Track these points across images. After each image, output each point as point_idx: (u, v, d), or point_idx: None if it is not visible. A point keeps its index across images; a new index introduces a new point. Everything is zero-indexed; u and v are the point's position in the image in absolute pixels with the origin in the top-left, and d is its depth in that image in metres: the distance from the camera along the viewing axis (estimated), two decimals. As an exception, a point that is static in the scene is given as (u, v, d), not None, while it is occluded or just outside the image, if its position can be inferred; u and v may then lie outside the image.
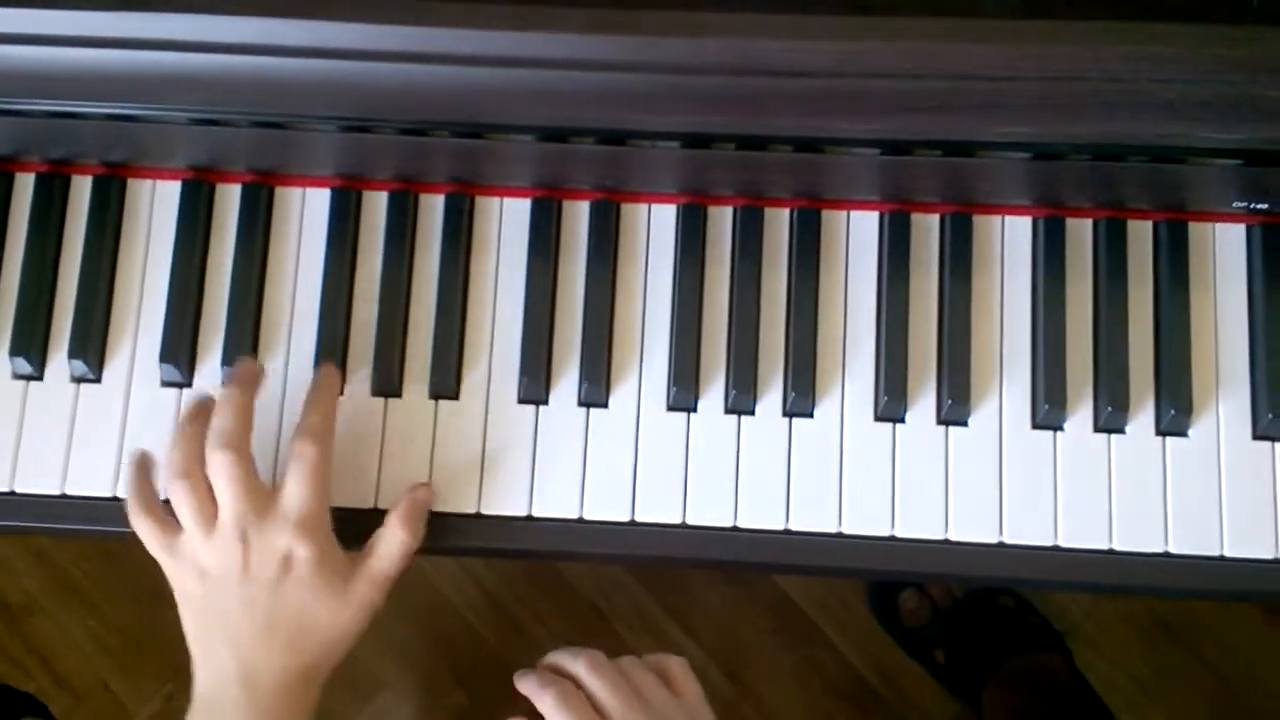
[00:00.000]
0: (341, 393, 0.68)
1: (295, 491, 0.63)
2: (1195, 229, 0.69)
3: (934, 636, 1.34)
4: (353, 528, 0.66)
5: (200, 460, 0.64)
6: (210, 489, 0.63)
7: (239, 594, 0.62)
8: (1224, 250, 0.69)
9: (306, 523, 0.63)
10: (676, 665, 0.68)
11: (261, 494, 0.63)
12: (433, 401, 0.68)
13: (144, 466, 0.67)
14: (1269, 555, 0.65)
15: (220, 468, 0.62)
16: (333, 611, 0.64)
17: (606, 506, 0.67)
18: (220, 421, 0.64)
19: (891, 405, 0.67)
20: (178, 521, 0.64)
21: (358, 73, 0.57)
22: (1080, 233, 0.69)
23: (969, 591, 1.34)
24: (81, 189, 0.71)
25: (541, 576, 1.40)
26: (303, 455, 0.63)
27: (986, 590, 1.33)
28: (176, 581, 0.64)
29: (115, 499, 0.67)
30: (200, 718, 0.63)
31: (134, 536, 0.65)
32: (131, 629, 1.39)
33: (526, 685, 0.66)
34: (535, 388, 0.68)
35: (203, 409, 0.66)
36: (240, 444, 0.63)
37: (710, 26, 0.56)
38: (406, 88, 0.57)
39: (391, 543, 0.65)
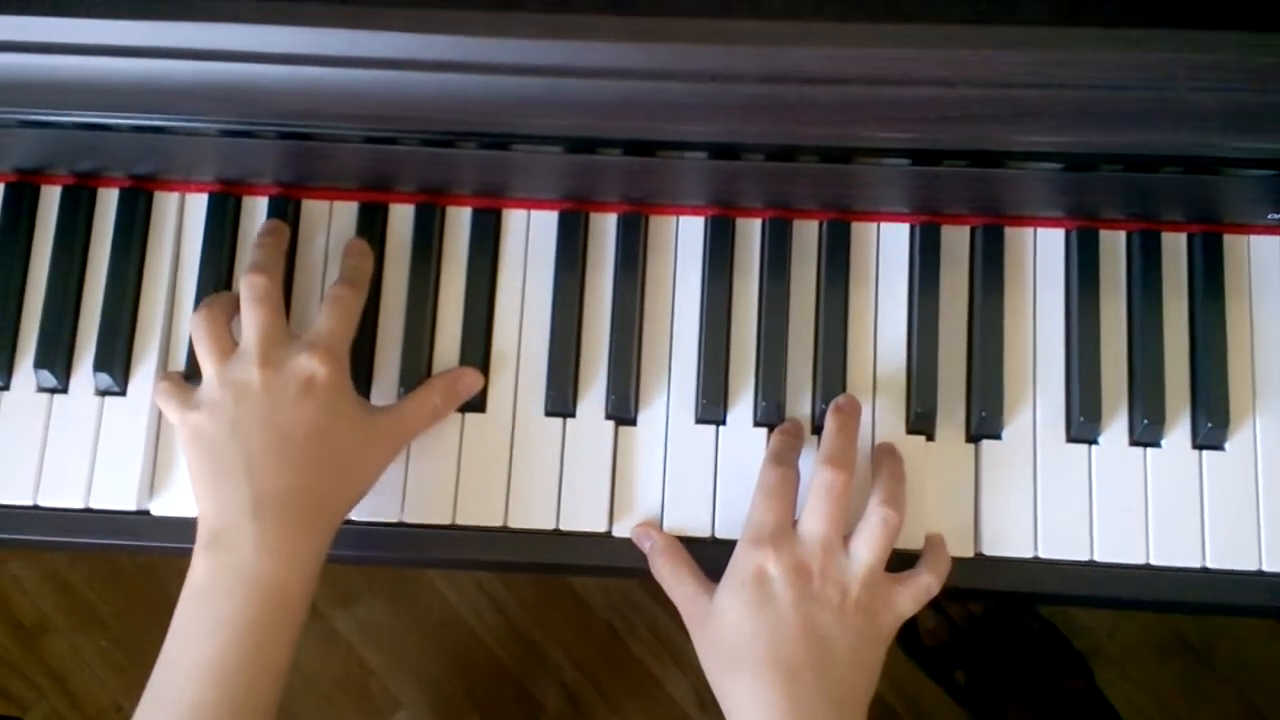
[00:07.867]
0: (369, 398, 0.68)
1: (326, 323, 0.64)
2: (1230, 241, 0.68)
3: (953, 656, 1.32)
4: (379, 539, 0.66)
5: (225, 304, 0.66)
6: (229, 331, 0.65)
7: (257, 410, 0.61)
8: (1259, 262, 0.68)
9: (332, 348, 0.63)
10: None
11: (285, 327, 0.65)
12: (459, 413, 0.68)
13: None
14: (1309, 570, 0.64)
15: (251, 290, 0.64)
16: (352, 438, 0.63)
17: (634, 520, 0.66)
18: (254, 254, 0.66)
19: (923, 419, 0.66)
20: (193, 388, 0.64)
21: (390, 82, 0.56)
22: (1114, 245, 0.68)
23: (988, 610, 1.32)
24: (108, 202, 0.70)
25: (557, 597, 1.39)
26: (339, 296, 0.65)
27: (1008, 610, 1.32)
28: (189, 428, 0.62)
29: (140, 513, 0.67)
30: (204, 553, 0.60)
31: (148, 560, 0.64)
32: (143, 649, 1.38)
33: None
34: (562, 401, 0.67)
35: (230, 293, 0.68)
36: (274, 272, 0.65)
37: (743, 34, 0.56)
38: (438, 97, 0.57)
39: (423, 400, 0.66)
